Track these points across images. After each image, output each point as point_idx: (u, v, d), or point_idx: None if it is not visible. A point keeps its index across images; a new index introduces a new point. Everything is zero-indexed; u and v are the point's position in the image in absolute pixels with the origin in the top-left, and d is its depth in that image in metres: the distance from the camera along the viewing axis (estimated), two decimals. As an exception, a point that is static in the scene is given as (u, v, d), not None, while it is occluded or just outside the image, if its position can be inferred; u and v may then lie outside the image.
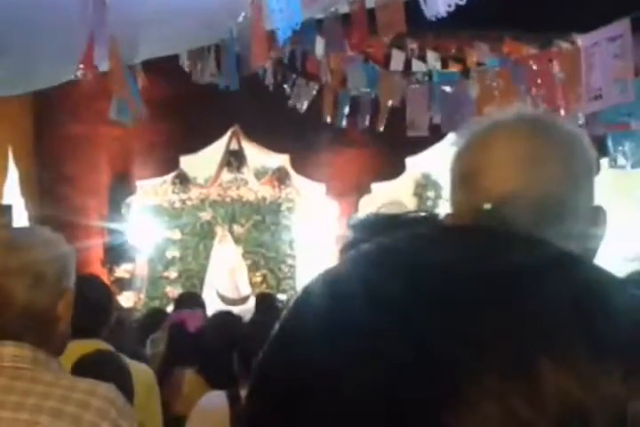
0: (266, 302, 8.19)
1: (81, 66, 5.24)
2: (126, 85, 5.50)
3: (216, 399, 3.52)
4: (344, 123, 9.94)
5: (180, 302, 7.13)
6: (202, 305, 7.11)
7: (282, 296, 12.42)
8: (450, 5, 4.76)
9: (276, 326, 0.81)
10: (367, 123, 9.68)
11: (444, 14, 4.82)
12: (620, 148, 6.40)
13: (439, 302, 0.55)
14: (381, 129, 9.40)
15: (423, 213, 1.94)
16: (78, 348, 3.23)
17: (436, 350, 0.52)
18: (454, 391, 0.50)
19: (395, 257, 0.63)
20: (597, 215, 1.31)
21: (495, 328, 0.52)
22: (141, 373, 3.56)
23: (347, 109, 9.68)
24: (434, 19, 5.00)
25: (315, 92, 9.78)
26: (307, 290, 0.75)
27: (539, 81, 6.69)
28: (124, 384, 3.14)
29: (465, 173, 1.32)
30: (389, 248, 0.66)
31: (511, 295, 0.55)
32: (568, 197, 1.24)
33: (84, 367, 2.89)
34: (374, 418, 0.51)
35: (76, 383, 2.01)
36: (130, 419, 2.00)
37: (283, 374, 0.59)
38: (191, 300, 7.10)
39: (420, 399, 0.51)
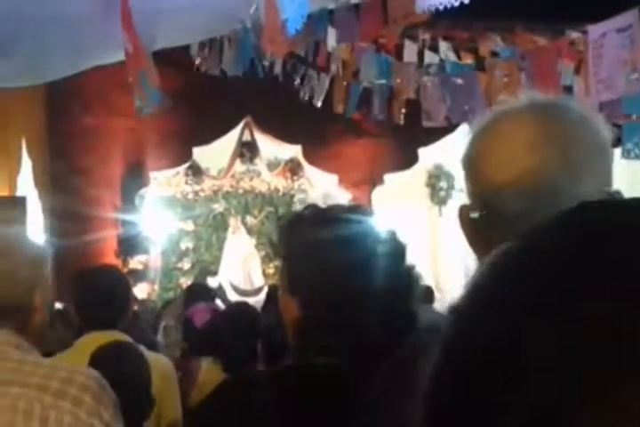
0: (276, 295, 8.19)
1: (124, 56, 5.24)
2: (154, 76, 5.51)
3: None
4: (354, 114, 9.94)
5: (191, 293, 7.11)
6: (212, 296, 7.13)
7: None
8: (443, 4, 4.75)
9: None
10: (382, 114, 9.67)
11: (440, 7, 4.80)
12: (635, 139, 6.39)
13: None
14: (401, 121, 9.39)
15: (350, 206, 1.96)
16: (97, 339, 3.26)
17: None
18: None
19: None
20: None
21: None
22: (159, 363, 3.58)
23: (357, 100, 9.68)
24: (426, 11, 4.99)
25: (327, 85, 9.78)
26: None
27: (544, 72, 6.67)
28: (143, 375, 3.16)
29: (470, 163, 1.34)
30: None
31: None
32: (564, 185, 1.23)
33: (102, 358, 2.91)
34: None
35: (60, 365, 2.18)
36: (110, 397, 2.11)
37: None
38: (202, 291, 7.10)
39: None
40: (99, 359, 2.91)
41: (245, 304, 5.33)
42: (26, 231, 2.23)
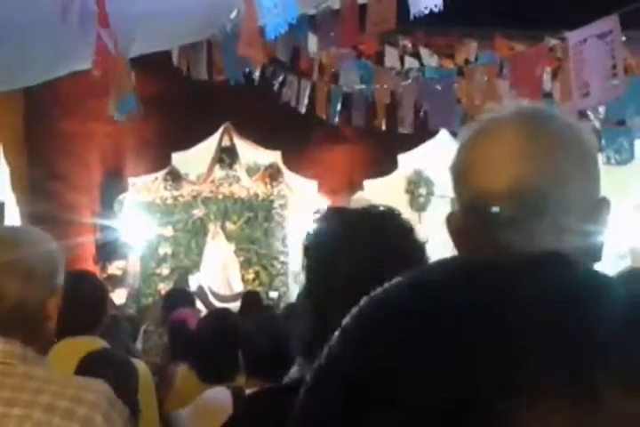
0: (254, 300, 8.16)
1: (93, 59, 5.21)
2: (129, 80, 5.50)
3: (220, 396, 3.53)
4: (337, 120, 9.94)
5: (171, 298, 7.07)
6: (192, 302, 7.11)
7: (274, 293, 12.44)
8: (436, 5, 4.77)
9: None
10: (363, 120, 9.69)
11: (431, 11, 4.82)
12: (615, 144, 6.42)
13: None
14: (383, 127, 9.41)
15: (383, 209, 1.95)
16: (74, 345, 3.23)
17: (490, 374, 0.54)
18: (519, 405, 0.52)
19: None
20: (599, 208, 1.31)
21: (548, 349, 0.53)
22: (139, 370, 3.56)
23: (339, 106, 9.69)
24: (418, 16, 5.01)
25: (309, 90, 9.78)
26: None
27: (525, 78, 6.69)
28: (131, 382, 3.14)
29: (459, 171, 1.34)
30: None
31: (563, 317, 0.57)
32: (553, 191, 1.23)
33: (91, 365, 2.88)
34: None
35: (70, 380, 2.03)
36: (120, 413, 2.01)
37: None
38: (182, 297, 7.07)
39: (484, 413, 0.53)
40: (88, 365, 2.89)
41: (226, 311, 5.30)
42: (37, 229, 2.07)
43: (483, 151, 1.30)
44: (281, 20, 4.73)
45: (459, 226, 1.33)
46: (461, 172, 1.33)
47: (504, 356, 0.53)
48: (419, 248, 1.82)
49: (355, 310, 0.72)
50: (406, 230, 1.86)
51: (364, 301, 0.85)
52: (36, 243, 2.10)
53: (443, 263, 0.99)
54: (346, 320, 0.78)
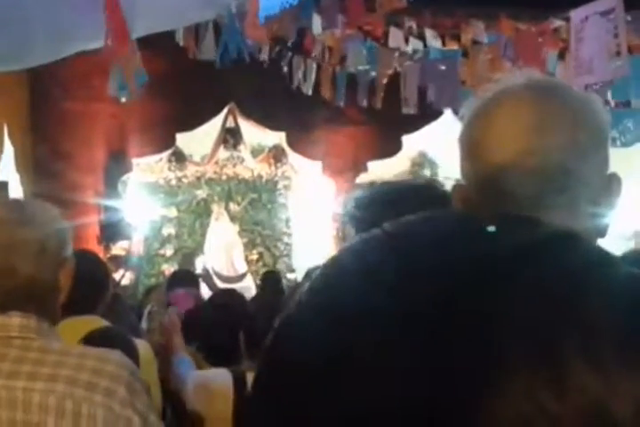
0: (271, 280, 8.17)
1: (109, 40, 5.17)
2: (133, 59, 5.48)
3: (221, 377, 3.53)
4: (341, 101, 9.94)
5: (174, 279, 7.09)
6: (196, 283, 7.10)
7: (292, 275, 12.44)
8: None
9: (282, 314, 0.87)
10: (365, 100, 9.68)
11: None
12: (620, 126, 6.40)
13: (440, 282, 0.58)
14: (379, 106, 9.39)
15: (422, 182, 1.96)
16: (76, 323, 3.24)
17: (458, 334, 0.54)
18: (483, 381, 0.52)
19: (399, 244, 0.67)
20: (610, 184, 1.28)
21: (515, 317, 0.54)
22: (141, 349, 3.57)
23: (343, 87, 9.69)
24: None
25: (314, 72, 9.77)
26: (312, 282, 0.79)
27: (529, 57, 6.67)
28: (133, 361, 3.14)
29: (469, 143, 1.30)
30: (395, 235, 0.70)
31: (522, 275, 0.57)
32: (573, 166, 1.21)
33: (92, 343, 2.88)
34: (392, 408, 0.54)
35: (88, 351, 2.04)
36: (142, 383, 2.03)
37: (294, 359, 0.63)
38: (186, 277, 7.08)
39: (445, 391, 0.53)
40: (90, 344, 2.89)
41: (232, 291, 5.27)
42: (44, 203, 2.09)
43: (498, 122, 1.26)
44: (277, 1, 4.70)
45: (466, 197, 1.30)
46: (473, 143, 1.29)
47: (489, 328, 0.53)
48: None
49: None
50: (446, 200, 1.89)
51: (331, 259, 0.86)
52: (46, 217, 2.12)
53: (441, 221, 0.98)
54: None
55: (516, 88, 1.29)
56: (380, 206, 1.94)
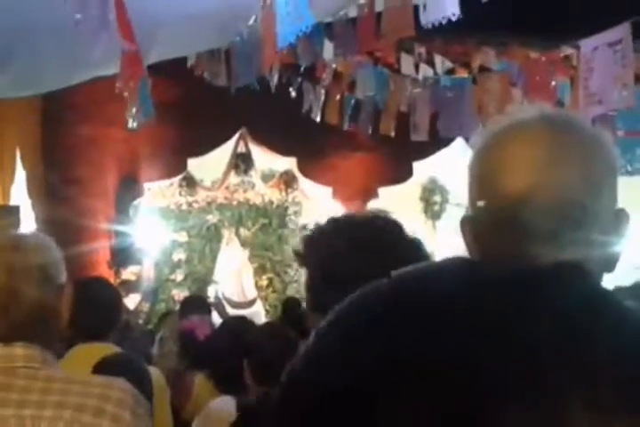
0: (292, 308, 8.13)
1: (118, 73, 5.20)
2: (138, 89, 5.50)
3: (224, 405, 3.53)
4: (347, 126, 9.97)
5: (187, 305, 7.07)
6: (208, 309, 7.10)
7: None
8: (453, 14, 4.77)
9: (302, 352, 0.90)
10: (370, 127, 9.71)
11: (442, 21, 4.83)
12: (628, 154, 6.40)
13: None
14: (392, 134, 9.41)
15: (382, 216, 1.97)
16: (89, 350, 3.25)
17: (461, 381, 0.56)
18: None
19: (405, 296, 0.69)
20: (620, 219, 1.28)
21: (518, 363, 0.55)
22: (153, 376, 3.57)
23: (349, 112, 9.72)
24: (430, 26, 5.01)
25: (323, 97, 9.81)
26: (329, 321, 0.83)
27: (538, 86, 6.68)
28: (145, 387, 3.14)
29: (482, 174, 1.29)
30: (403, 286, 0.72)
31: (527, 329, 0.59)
32: (588, 203, 1.21)
33: (105, 369, 2.89)
34: None
35: (92, 379, 2.08)
36: (146, 408, 2.07)
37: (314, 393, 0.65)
38: (198, 304, 7.06)
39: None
40: (102, 371, 2.90)
41: (244, 319, 5.26)
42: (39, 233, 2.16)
43: (514, 155, 1.24)
44: (293, 29, 4.72)
45: (478, 231, 1.28)
46: (486, 175, 1.27)
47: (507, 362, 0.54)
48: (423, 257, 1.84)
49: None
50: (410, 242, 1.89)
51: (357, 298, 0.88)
52: (46, 247, 2.15)
53: (455, 269, 1.00)
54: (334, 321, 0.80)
55: (530, 121, 1.28)
56: (322, 241, 1.94)
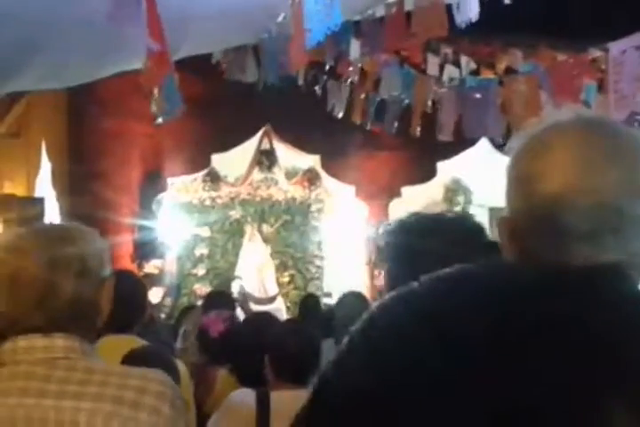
0: (309, 305, 8.11)
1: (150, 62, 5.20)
2: (165, 84, 5.51)
3: (244, 397, 3.54)
4: (370, 125, 9.98)
5: (210, 300, 7.06)
6: (231, 304, 7.09)
7: (328, 299, 12.41)
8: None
9: (334, 358, 0.92)
10: (395, 127, 9.71)
11: (475, 19, 4.84)
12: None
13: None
14: (417, 134, 9.40)
15: (457, 216, 2.00)
16: (114, 342, 3.26)
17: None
18: None
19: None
20: None
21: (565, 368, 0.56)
22: (179, 368, 3.58)
23: (373, 112, 9.73)
24: (464, 25, 5.02)
25: (347, 96, 9.82)
26: (349, 344, 0.85)
27: (565, 88, 6.66)
28: (174, 380, 3.16)
29: (520, 176, 1.29)
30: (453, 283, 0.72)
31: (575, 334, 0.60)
32: (627, 206, 1.20)
33: (134, 361, 2.91)
34: None
35: (130, 371, 2.06)
36: (182, 400, 2.05)
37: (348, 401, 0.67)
38: (222, 299, 7.04)
39: None
40: (131, 363, 2.91)
41: (268, 315, 5.26)
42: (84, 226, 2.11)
43: (554, 158, 1.25)
44: (323, 27, 4.72)
45: (516, 232, 1.28)
46: (523, 177, 1.27)
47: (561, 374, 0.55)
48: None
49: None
50: (477, 232, 1.93)
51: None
52: (88, 238, 2.14)
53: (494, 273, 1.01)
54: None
55: (567, 124, 1.29)
56: (413, 235, 1.96)
